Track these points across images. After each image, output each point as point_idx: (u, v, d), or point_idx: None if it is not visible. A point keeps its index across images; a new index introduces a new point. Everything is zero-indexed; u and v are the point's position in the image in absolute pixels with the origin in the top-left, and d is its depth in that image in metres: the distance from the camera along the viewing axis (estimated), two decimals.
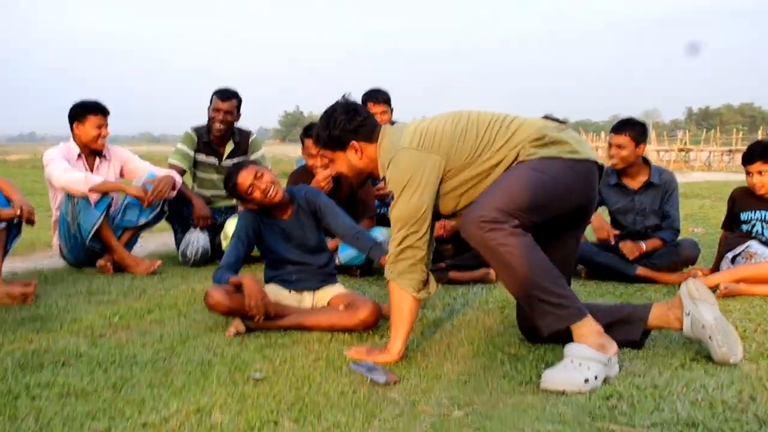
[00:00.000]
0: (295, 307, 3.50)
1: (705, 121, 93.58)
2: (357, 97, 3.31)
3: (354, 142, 2.98)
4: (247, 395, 2.46)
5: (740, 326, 3.35)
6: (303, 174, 4.89)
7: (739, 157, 26.19)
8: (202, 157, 5.63)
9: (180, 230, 5.44)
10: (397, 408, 2.36)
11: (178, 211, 5.40)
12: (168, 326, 3.42)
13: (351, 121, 2.98)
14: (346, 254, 4.67)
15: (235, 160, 5.64)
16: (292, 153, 33.82)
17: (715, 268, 4.56)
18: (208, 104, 5.56)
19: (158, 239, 6.58)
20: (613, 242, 4.66)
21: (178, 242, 5.44)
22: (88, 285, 4.39)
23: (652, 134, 36.58)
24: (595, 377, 2.51)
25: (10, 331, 3.25)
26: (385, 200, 5.19)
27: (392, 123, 4.87)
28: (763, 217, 4.42)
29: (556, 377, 2.53)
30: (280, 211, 3.60)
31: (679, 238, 4.78)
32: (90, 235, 4.75)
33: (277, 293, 3.56)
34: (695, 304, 2.84)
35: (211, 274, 4.74)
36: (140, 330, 3.35)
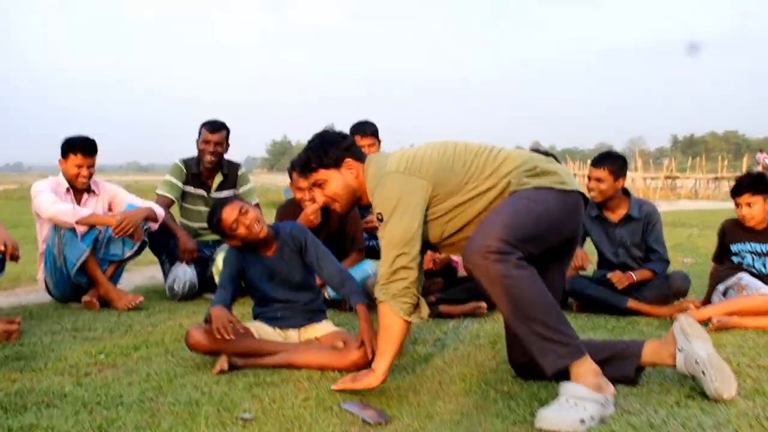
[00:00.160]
0: (285, 344, 3.45)
1: (690, 148, 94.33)
2: (343, 128, 3.32)
3: (348, 160, 3.00)
4: None
5: (734, 360, 3.32)
6: (291, 208, 4.86)
7: (724, 184, 26.60)
8: (190, 189, 5.61)
9: (167, 262, 5.39)
10: None
11: (165, 243, 5.35)
12: (155, 364, 3.36)
13: (344, 140, 3.05)
14: None
15: (224, 192, 5.63)
16: (280, 182, 33.85)
17: (707, 301, 4.55)
18: (197, 137, 5.55)
19: (145, 272, 6.52)
20: (587, 269, 4.66)
21: (165, 275, 5.39)
22: (73, 321, 4.33)
23: (638, 162, 36.87)
24: (591, 417, 2.46)
25: None
26: (374, 233, 5.16)
27: None
28: (753, 249, 4.43)
29: (551, 417, 2.48)
30: (265, 248, 3.57)
31: (670, 270, 4.76)
32: (75, 269, 4.69)
33: (261, 330, 3.51)
34: (688, 340, 2.81)
35: (199, 308, 4.73)
36: (126, 368, 3.29)
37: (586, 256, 4.70)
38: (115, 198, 5.18)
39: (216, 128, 5.54)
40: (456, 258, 4.72)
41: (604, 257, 4.81)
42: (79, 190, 5.07)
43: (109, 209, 5.19)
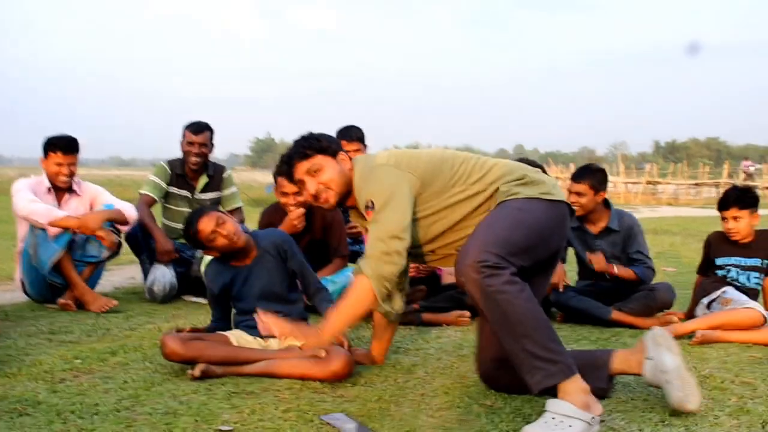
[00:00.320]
0: (262, 351, 3.39)
1: (672, 154, 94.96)
2: (328, 131, 3.29)
3: (343, 153, 3.05)
4: None
5: (718, 377, 3.30)
6: (275, 212, 4.81)
7: (705, 190, 26.69)
8: (174, 189, 5.56)
9: (147, 262, 5.32)
10: None
11: (146, 243, 5.29)
12: (132, 370, 3.29)
13: (333, 137, 3.12)
14: None
15: (209, 194, 5.58)
16: (262, 180, 33.70)
17: (690, 313, 4.54)
18: (181, 138, 5.50)
19: (125, 273, 6.44)
20: (561, 289, 4.62)
21: (145, 275, 5.32)
22: (50, 323, 4.25)
23: (620, 167, 37.02)
24: None
25: None
26: (358, 238, 5.12)
27: None
28: (738, 263, 4.42)
29: None
30: (243, 257, 3.53)
31: (655, 281, 4.73)
32: (48, 269, 4.61)
33: (241, 338, 3.45)
34: (658, 350, 2.79)
35: (178, 311, 4.67)
36: (103, 374, 3.22)
37: (564, 275, 4.67)
38: (97, 199, 5.10)
39: (199, 129, 5.50)
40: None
41: (586, 268, 4.79)
42: (61, 189, 4.99)
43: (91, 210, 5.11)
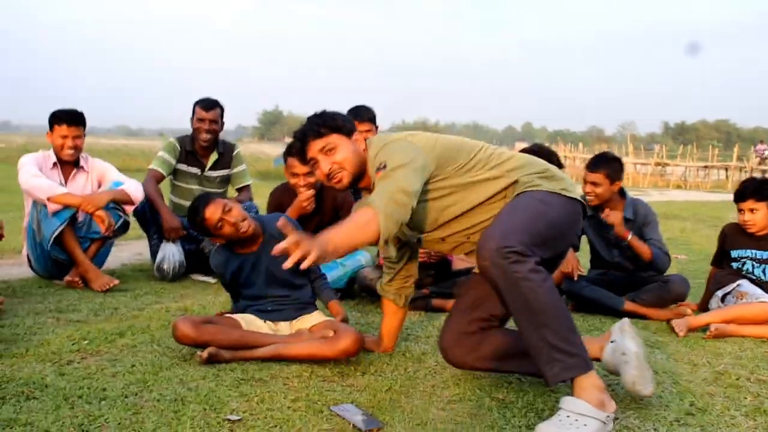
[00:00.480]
0: (272, 336, 3.36)
1: (681, 135, 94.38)
2: (338, 108, 3.25)
3: (357, 134, 2.98)
4: None
5: (732, 373, 3.26)
6: (285, 193, 4.75)
7: (714, 173, 26.51)
8: (183, 167, 5.50)
9: (156, 238, 5.28)
10: None
11: (154, 219, 5.24)
12: (140, 353, 3.25)
13: (348, 117, 3.03)
14: (327, 277, 4.51)
15: (218, 171, 5.53)
16: (270, 152, 33.65)
17: (704, 305, 4.49)
18: (191, 115, 5.45)
19: (133, 248, 6.40)
20: (575, 278, 4.57)
21: (153, 250, 5.28)
22: (57, 301, 4.22)
23: (629, 147, 36.83)
24: None
25: None
26: None
27: None
28: (753, 256, 4.35)
29: None
30: (251, 243, 3.50)
31: (669, 273, 4.66)
32: (49, 243, 4.57)
33: (251, 323, 3.42)
34: (623, 335, 2.80)
35: (186, 290, 4.64)
36: (111, 357, 3.19)
37: (577, 263, 4.62)
38: (105, 176, 5.04)
39: (210, 106, 5.45)
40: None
41: (599, 257, 4.73)
42: (68, 164, 4.93)
43: (99, 187, 5.06)
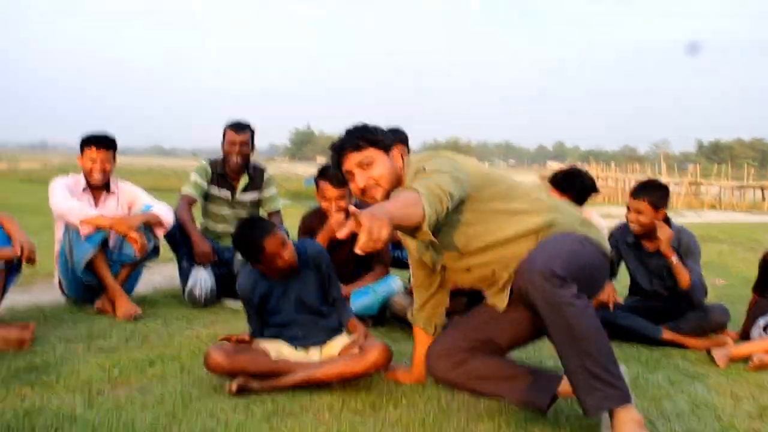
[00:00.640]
0: (301, 363, 3.32)
1: (715, 154, 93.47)
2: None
3: (397, 149, 2.92)
4: None
5: None
6: (316, 217, 4.71)
7: (750, 193, 26.07)
8: (215, 190, 5.50)
9: (186, 261, 5.26)
10: None
11: (184, 241, 5.23)
12: (170, 384, 3.22)
13: (387, 132, 2.97)
14: (358, 303, 4.46)
15: (249, 194, 5.52)
16: (302, 171, 33.78)
17: (745, 333, 4.37)
18: (222, 138, 5.45)
19: (166, 271, 6.38)
20: (612, 308, 4.43)
21: (183, 273, 5.26)
22: (88, 327, 4.20)
23: (662, 166, 36.42)
24: None
25: (2, 386, 3.07)
26: (400, 242, 5.01)
27: None
28: None
29: None
30: (283, 270, 3.45)
31: (708, 301, 4.53)
32: (81, 268, 4.57)
33: (281, 350, 3.38)
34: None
35: (217, 317, 4.61)
36: (140, 387, 3.16)
37: (614, 293, 4.49)
38: (135, 200, 5.04)
39: (241, 128, 5.45)
40: None
41: (638, 285, 4.61)
42: (98, 188, 4.95)
43: (129, 211, 5.06)
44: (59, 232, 4.80)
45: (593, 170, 33.52)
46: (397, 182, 2.89)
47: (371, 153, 2.87)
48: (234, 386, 3.08)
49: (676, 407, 3.11)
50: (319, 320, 3.49)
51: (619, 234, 4.63)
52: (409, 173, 2.84)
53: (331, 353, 3.41)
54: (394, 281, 4.61)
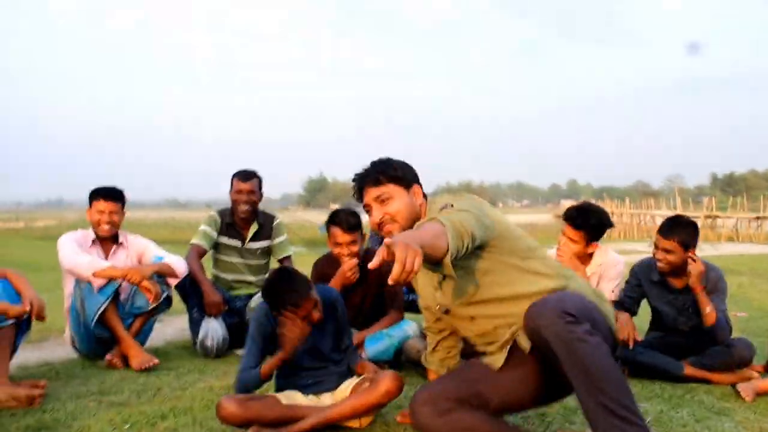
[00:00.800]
0: (314, 407, 3.26)
1: (730, 187, 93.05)
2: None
3: (417, 186, 2.91)
4: None
5: None
6: (328, 263, 4.66)
7: (767, 224, 25.65)
8: (225, 239, 5.47)
9: (196, 311, 5.21)
10: None
11: (194, 291, 5.18)
12: None
13: (413, 168, 2.96)
14: (373, 348, 4.40)
15: (259, 242, 5.49)
16: (315, 219, 33.85)
17: None
18: (229, 187, 5.45)
19: (178, 324, 6.34)
20: (631, 346, 4.27)
21: (193, 323, 5.22)
22: (100, 382, 4.15)
23: (677, 201, 36.25)
24: None
25: None
26: (412, 286, 4.94)
27: None
28: None
29: None
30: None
31: (732, 336, 4.40)
32: (93, 321, 4.52)
33: (292, 398, 3.31)
34: None
35: (230, 367, 4.53)
36: None
37: (633, 329, 4.35)
38: (145, 252, 5.03)
39: (247, 177, 5.45)
40: None
41: (662, 322, 4.50)
42: (107, 241, 4.94)
43: (139, 264, 5.04)
44: (69, 287, 4.78)
45: (607, 206, 33.35)
46: (414, 219, 2.86)
47: (390, 189, 2.87)
48: None
49: None
50: (329, 367, 3.44)
51: (642, 271, 4.52)
52: (433, 208, 2.80)
53: (343, 395, 3.34)
54: (409, 326, 4.54)
